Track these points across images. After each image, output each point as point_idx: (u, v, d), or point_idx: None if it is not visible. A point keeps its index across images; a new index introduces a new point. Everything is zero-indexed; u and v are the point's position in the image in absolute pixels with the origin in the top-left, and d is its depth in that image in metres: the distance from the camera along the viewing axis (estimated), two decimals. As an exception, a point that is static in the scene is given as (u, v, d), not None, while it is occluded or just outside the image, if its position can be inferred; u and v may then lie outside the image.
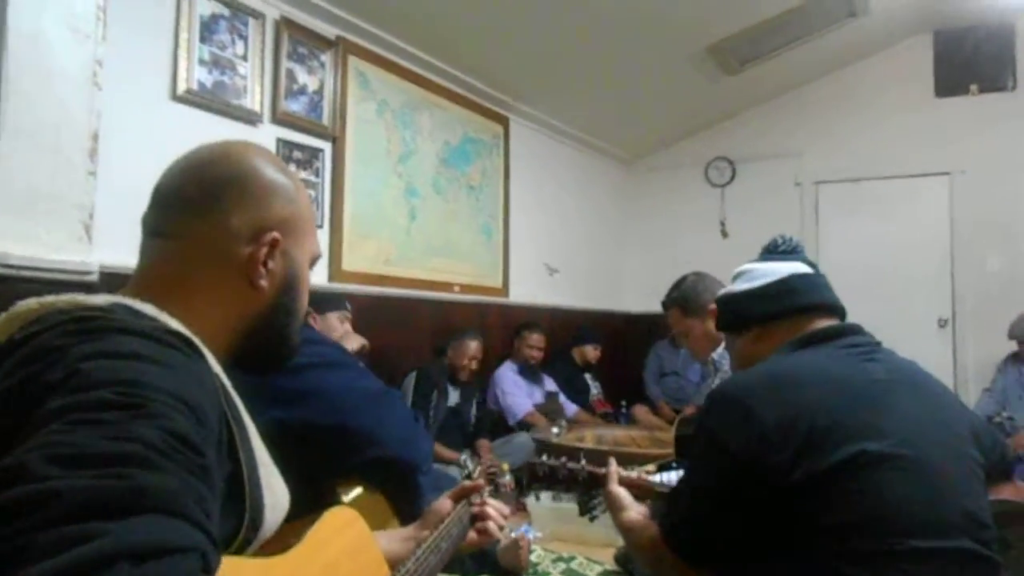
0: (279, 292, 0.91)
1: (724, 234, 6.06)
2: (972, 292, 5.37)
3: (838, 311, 1.36)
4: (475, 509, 1.28)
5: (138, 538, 0.51)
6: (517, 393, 4.52)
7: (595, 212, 6.22)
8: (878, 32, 5.31)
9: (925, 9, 5.11)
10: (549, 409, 4.47)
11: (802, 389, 1.15)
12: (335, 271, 3.74)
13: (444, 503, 1.36)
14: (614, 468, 1.61)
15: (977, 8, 5.10)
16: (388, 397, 1.72)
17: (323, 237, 3.71)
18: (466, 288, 4.65)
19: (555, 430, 3.37)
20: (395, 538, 1.29)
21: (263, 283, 0.89)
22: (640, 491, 1.62)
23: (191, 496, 0.58)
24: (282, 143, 3.48)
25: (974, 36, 5.36)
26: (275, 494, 0.83)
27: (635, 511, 1.46)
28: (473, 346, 4.09)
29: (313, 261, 0.97)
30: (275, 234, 0.89)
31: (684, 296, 2.27)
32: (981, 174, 5.36)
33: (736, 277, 1.43)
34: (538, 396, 4.61)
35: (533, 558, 2.79)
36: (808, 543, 1.09)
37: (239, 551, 0.77)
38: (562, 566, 2.76)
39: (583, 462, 1.66)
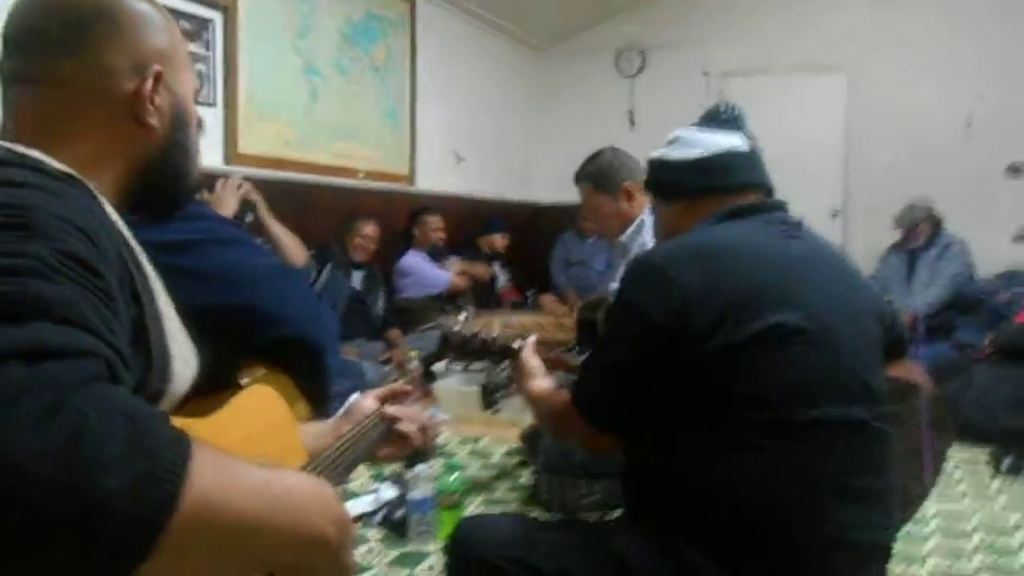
0: (171, 128, 0.85)
1: (632, 124, 6.05)
2: (862, 185, 5.59)
3: (769, 191, 1.35)
4: (389, 411, 1.21)
5: (32, 338, 0.49)
6: (431, 267, 4.50)
7: (505, 99, 6.07)
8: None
9: None
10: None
11: (724, 259, 1.16)
12: (230, 153, 3.53)
13: (369, 402, 1.31)
14: (532, 340, 1.60)
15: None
16: (289, 274, 1.64)
17: (216, 117, 3.48)
18: (371, 175, 4.51)
19: (461, 317, 3.36)
20: (312, 433, 1.26)
21: (153, 121, 0.83)
22: (557, 366, 1.63)
23: (90, 309, 0.55)
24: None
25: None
26: (183, 348, 0.80)
27: (546, 380, 1.46)
28: (368, 227, 4.02)
29: (194, 95, 0.91)
30: (157, 67, 0.82)
31: (598, 171, 2.22)
32: (875, 68, 5.49)
33: (672, 141, 1.38)
34: (449, 273, 4.59)
35: (440, 440, 2.84)
36: (716, 412, 1.11)
37: (151, 403, 0.72)
38: (469, 447, 2.82)
39: (495, 333, 1.64)
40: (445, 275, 4.48)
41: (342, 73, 4.24)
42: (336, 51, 4.19)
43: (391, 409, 1.23)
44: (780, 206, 1.31)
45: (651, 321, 1.14)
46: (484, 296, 4.78)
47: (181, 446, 0.51)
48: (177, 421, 0.74)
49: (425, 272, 4.46)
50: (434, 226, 4.57)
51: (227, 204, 2.98)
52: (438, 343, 1.70)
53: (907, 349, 1.55)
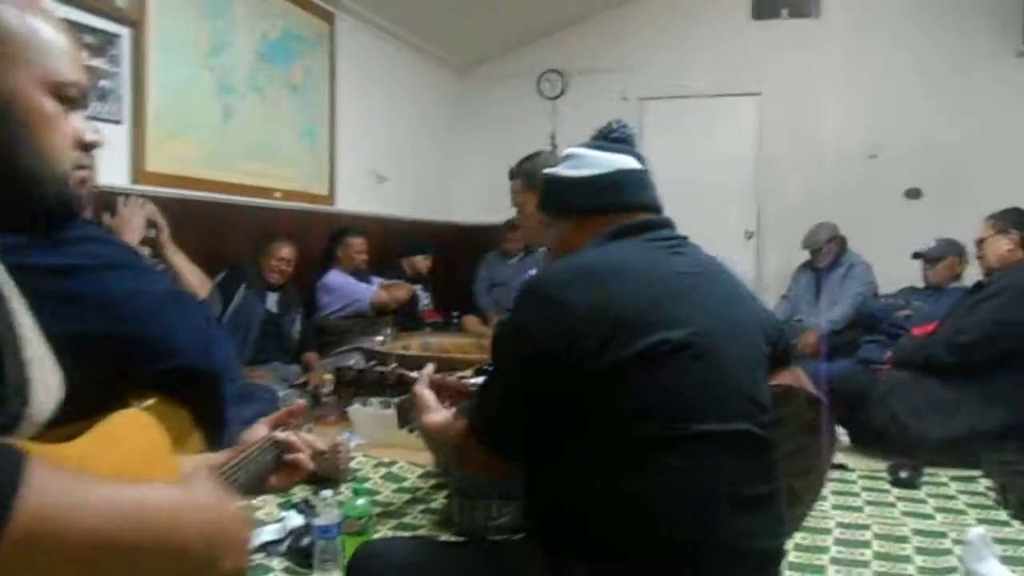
0: None
1: (554, 146, 6.13)
2: (774, 207, 5.80)
3: (657, 210, 1.38)
4: (280, 436, 1.14)
5: None
6: (357, 285, 4.44)
7: (428, 120, 6.08)
8: (703, -50, 5.45)
9: (746, -69, 5.28)
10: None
11: (611, 279, 1.17)
12: (138, 172, 3.42)
13: (259, 429, 1.26)
14: (428, 371, 1.58)
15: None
16: (180, 300, 1.57)
17: (123, 134, 3.37)
18: (288, 194, 4.43)
19: (379, 338, 3.34)
20: (197, 464, 1.21)
21: None
22: (454, 393, 1.62)
23: None
24: (67, 25, 3.07)
25: (788, -38, 5.62)
26: (46, 374, 0.76)
27: (440, 413, 1.44)
28: (285, 249, 3.94)
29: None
30: None
31: (534, 168, 2.21)
32: (787, 95, 5.73)
33: (565, 159, 1.40)
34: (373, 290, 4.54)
35: (354, 464, 2.78)
36: (606, 429, 1.13)
37: (8, 427, 0.71)
38: (383, 471, 2.77)
39: (393, 365, 1.63)
40: (370, 287, 4.43)
41: (257, 91, 4.17)
42: (251, 69, 4.12)
43: (282, 435, 1.18)
44: (666, 223, 1.34)
45: (541, 345, 1.15)
46: (406, 317, 4.74)
47: (12, 463, 0.50)
48: (37, 446, 0.72)
49: (350, 288, 4.41)
50: (357, 248, 4.52)
51: (132, 226, 2.87)
52: (332, 378, 1.67)
53: (792, 357, 1.61)
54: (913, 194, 5.52)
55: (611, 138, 1.40)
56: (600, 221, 1.32)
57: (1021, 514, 2.40)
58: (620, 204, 1.33)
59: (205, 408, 1.59)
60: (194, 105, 3.75)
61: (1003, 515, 2.48)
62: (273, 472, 1.16)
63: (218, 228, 3.90)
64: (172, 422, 1.54)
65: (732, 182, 5.91)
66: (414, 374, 1.59)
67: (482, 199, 5.96)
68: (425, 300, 5.18)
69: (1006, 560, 2.08)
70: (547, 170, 1.45)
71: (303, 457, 1.17)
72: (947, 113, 5.36)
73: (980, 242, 3.31)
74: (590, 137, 1.43)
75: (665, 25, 5.94)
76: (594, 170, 1.34)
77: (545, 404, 1.16)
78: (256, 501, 2.40)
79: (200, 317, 1.62)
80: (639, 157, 1.39)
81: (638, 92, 6.01)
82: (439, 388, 1.57)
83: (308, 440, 1.19)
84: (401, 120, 5.66)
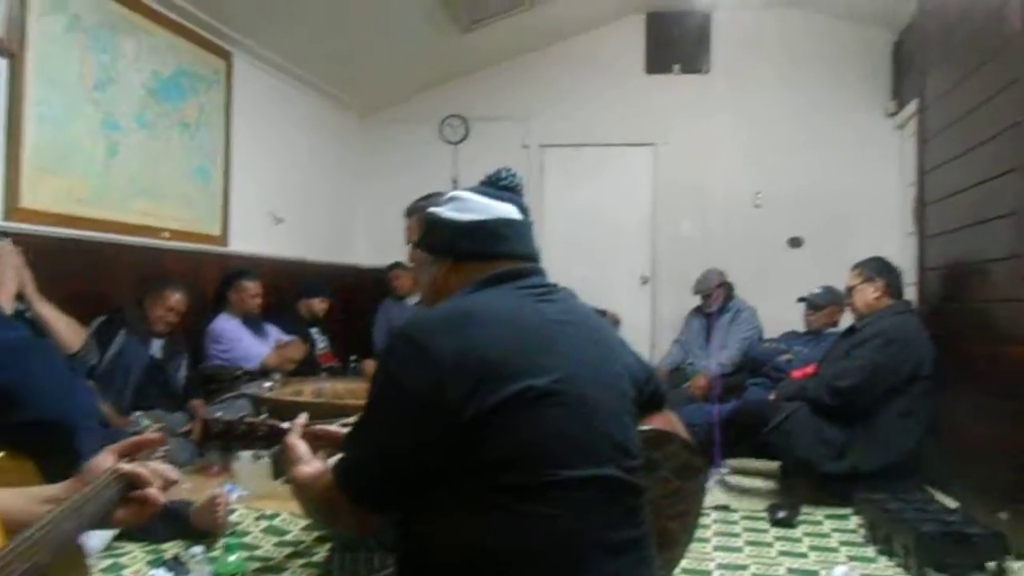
0: None
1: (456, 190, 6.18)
2: (668, 253, 6.01)
3: (533, 260, 1.39)
4: (126, 468, 1.05)
5: None
6: (246, 340, 4.29)
7: (328, 161, 6.03)
8: (600, 7, 5.70)
9: (639, -10, 5.55)
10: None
11: (477, 327, 1.18)
12: (10, 208, 3.24)
13: (104, 458, 1.17)
14: (301, 420, 1.53)
15: (682, -5, 5.63)
16: (35, 349, 1.50)
17: (-4, 168, 3.21)
18: (178, 235, 4.28)
19: (267, 384, 3.24)
20: (34, 498, 1.11)
21: None
22: (331, 443, 1.58)
23: None
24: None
25: (679, 21, 5.93)
26: None
27: (311, 465, 1.38)
28: (174, 297, 3.78)
29: None
30: None
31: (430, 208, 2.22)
32: (679, 146, 5.99)
33: (448, 200, 1.40)
34: (266, 348, 4.40)
35: (234, 517, 2.67)
36: (472, 478, 1.12)
37: None
38: (264, 524, 2.67)
39: (263, 416, 1.58)
40: (259, 352, 4.27)
41: (147, 128, 4.03)
42: (140, 105, 3.99)
43: (127, 467, 1.09)
44: (537, 271, 1.36)
45: (408, 394, 1.15)
46: (301, 362, 4.62)
47: None
48: None
49: (239, 344, 4.25)
50: (252, 292, 4.38)
51: (5, 278, 2.68)
52: (198, 430, 1.60)
53: (665, 401, 1.65)
54: (795, 243, 5.83)
55: (499, 185, 1.41)
56: (474, 267, 1.33)
57: (887, 550, 2.52)
58: (496, 251, 1.34)
59: (56, 460, 1.50)
60: (76, 140, 3.59)
61: (871, 551, 2.60)
62: (119, 506, 1.07)
63: (100, 269, 3.72)
64: (13, 476, 1.45)
65: (628, 229, 6.10)
66: (285, 425, 1.54)
67: (383, 241, 5.93)
68: (322, 344, 5.07)
69: (871, 596, 2.18)
70: (431, 209, 1.45)
71: (152, 491, 1.09)
72: (824, 167, 5.72)
73: (849, 290, 3.51)
74: (478, 182, 1.45)
75: (563, 76, 6.13)
76: (475, 215, 1.35)
77: (412, 453, 1.15)
78: (123, 559, 2.28)
79: (56, 365, 1.54)
80: (522, 207, 1.41)
81: (538, 139, 6.15)
82: (314, 438, 1.53)
83: (159, 471, 1.09)
84: (300, 161, 5.60)
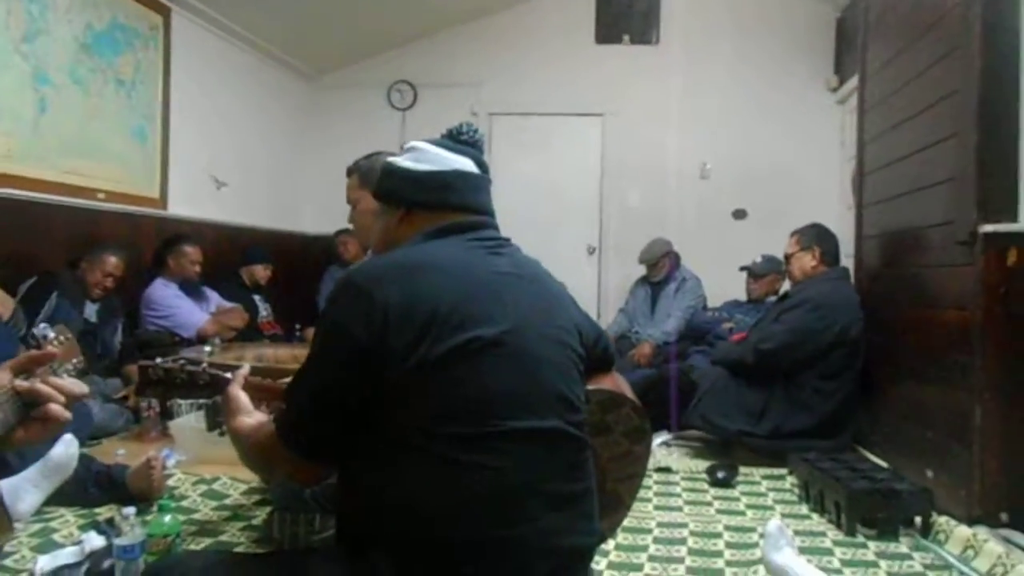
0: None
1: (404, 158, 6.11)
2: (615, 223, 6.05)
3: (486, 213, 1.38)
4: (21, 385, 0.96)
5: None
6: (183, 307, 4.17)
7: (272, 125, 5.88)
8: (551, -26, 5.64)
9: (591, -42, 5.51)
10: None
11: (426, 277, 1.17)
12: (-70, 164, 3.09)
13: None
14: (243, 371, 1.51)
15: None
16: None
17: (-87, 122, 3.04)
18: (114, 196, 4.14)
19: (207, 349, 3.16)
20: None
21: None
22: (272, 396, 1.55)
23: None
24: None
25: (629, -10, 5.93)
26: None
27: (253, 416, 1.38)
28: (111, 261, 3.67)
29: None
30: None
31: (370, 167, 2.14)
32: (627, 117, 6.01)
33: (407, 150, 1.39)
34: (205, 315, 4.30)
35: (172, 482, 2.61)
36: (413, 428, 1.12)
37: None
38: (203, 488, 2.62)
39: (204, 364, 1.54)
40: (198, 319, 4.17)
41: (78, 83, 3.87)
42: (72, 60, 3.83)
43: (24, 384, 1.01)
44: (489, 224, 1.35)
45: (353, 341, 1.13)
46: (243, 329, 4.52)
47: None
48: None
49: (176, 311, 4.13)
50: (192, 258, 4.27)
51: None
52: (138, 376, 1.56)
53: (614, 362, 1.66)
54: (739, 214, 5.92)
55: (459, 139, 1.40)
56: (426, 217, 1.32)
57: (819, 507, 2.60)
58: (449, 203, 1.33)
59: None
60: (3, 94, 3.43)
61: (805, 509, 2.67)
62: (20, 426, 0.99)
63: (30, 229, 3.58)
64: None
65: (576, 199, 6.11)
66: (228, 375, 1.51)
67: (329, 208, 5.79)
68: (264, 311, 4.98)
69: (805, 550, 2.24)
70: (388, 158, 1.44)
71: (54, 407, 1.00)
72: (770, 140, 5.81)
73: (787, 257, 3.58)
74: (440, 135, 1.43)
75: (513, 43, 6.08)
76: (432, 166, 1.34)
77: (354, 402, 1.14)
78: (54, 523, 2.21)
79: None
80: (481, 163, 1.40)
81: (487, 107, 6.10)
82: (255, 390, 1.50)
83: (60, 385, 0.99)
84: (243, 124, 5.45)
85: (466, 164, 1.37)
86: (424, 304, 1.13)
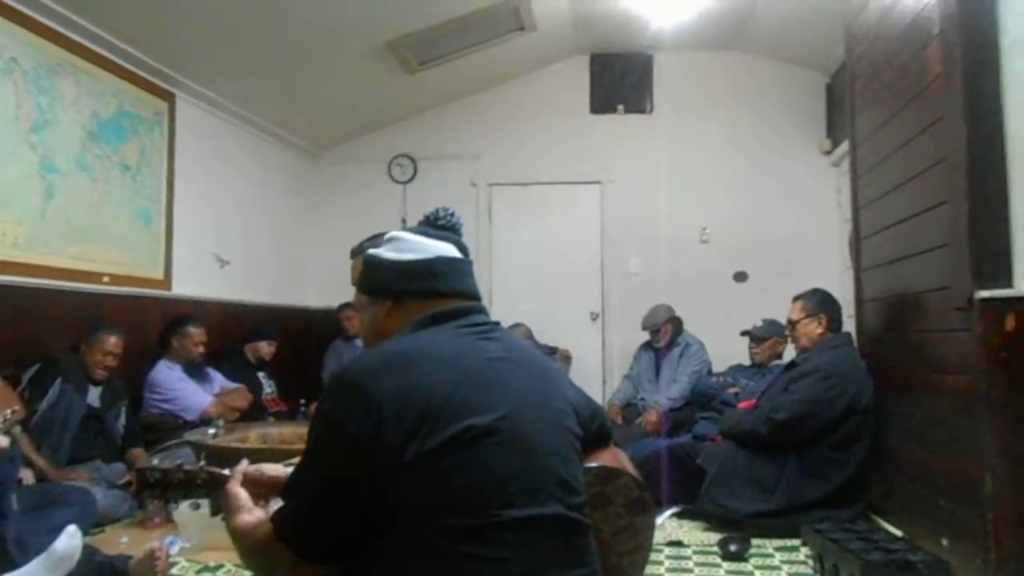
0: None
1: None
2: (617, 289, 6.08)
3: (473, 298, 1.38)
4: None
5: None
6: (187, 389, 4.17)
7: (274, 203, 5.98)
8: (544, 49, 5.81)
9: (583, 33, 5.69)
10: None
11: (418, 368, 1.17)
12: (-62, 255, 3.14)
13: None
14: (241, 467, 1.49)
15: (624, 38, 5.78)
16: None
17: (-78, 214, 3.10)
18: (119, 279, 4.18)
19: (211, 431, 3.15)
20: None
21: None
22: (273, 489, 1.53)
23: None
24: None
25: (621, 62, 6.10)
26: None
27: (252, 514, 1.35)
28: (111, 341, 3.68)
29: None
30: None
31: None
32: (625, 184, 6.10)
33: (387, 241, 1.39)
34: (209, 396, 4.29)
35: (176, 571, 2.58)
36: (413, 521, 1.10)
37: None
38: (207, 576, 2.59)
39: (201, 463, 1.53)
40: (201, 401, 4.17)
41: (85, 170, 3.96)
42: (80, 147, 3.92)
43: None
44: (478, 309, 1.35)
45: (348, 437, 1.12)
46: (247, 408, 4.51)
47: None
48: None
49: (180, 394, 4.14)
50: (196, 339, 4.28)
51: None
52: (136, 480, 1.55)
53: (611, 438, 1.65)
54: (740, 277, 5.95)
55: (437, 224, 1.40)
56: (414, 306, 1.32)
57: (835, 580, 2.54)
58: (436, 290, 1.33)
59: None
60: (12, 183, 3.51)
61: (820, 582, 2.62)
62: None
63: (36, 316, 3.61)
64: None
65: (578, 266, 6.16)
66: (225, 471, 1.50)
67: (333, 283, 5.86)
68: (269, 388, 4.98)
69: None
70: (370, 251, 1.43)
71: None
72: (767, 203, 5.89)
73: (792, 323, 3.58)
74: (417, 222, 1.44)
75: (511, 116, 6.22)
76: (414, 255, 1.34)
77: (353, 498, 1.12)
78: (54, 621, 2.17)
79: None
80: (461, 246, 1.40)
81: (486, 178, 6.21)
82: (256, 484, 1.49)
83: None
84: (246, 202, 5.54)
85: (448, 249, 1.37)
86: (418, 397, 1.13)
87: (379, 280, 1.37)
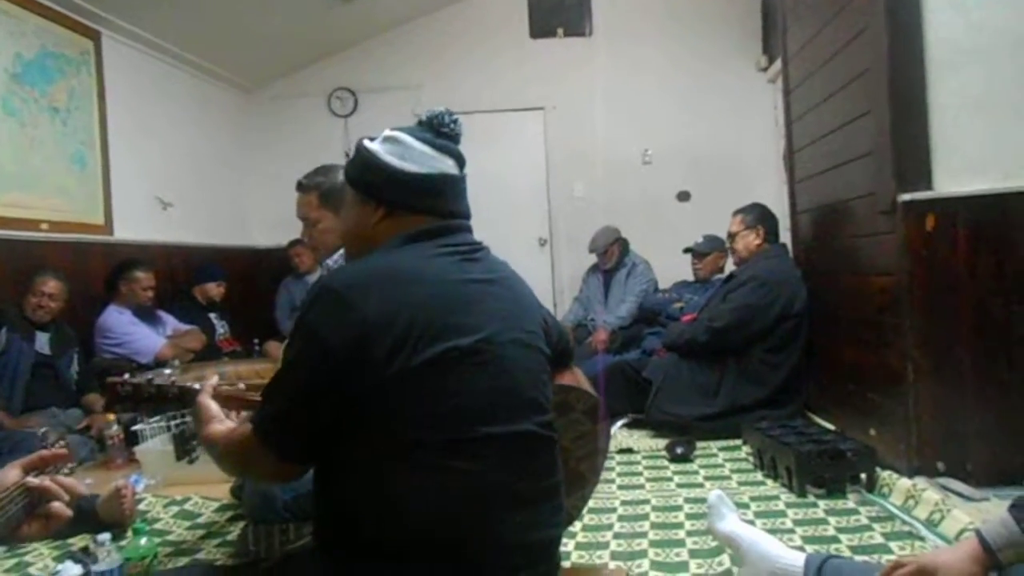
0: None
1: (349, 165, 6.12)
2: (563, 214, 6.16)
3: (464, 217, 1.36)
4: (32, 482, 1.06)
5: None
6: (139, 333, 4.15)
7: (214, 142, 5.85)
8: (481, -27, 5.70)
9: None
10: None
11: (404, 287, 1.19)
12: None
13: (9, 472, 1.14)
14: (212, 382, 1.51)
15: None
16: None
17: None
18: (58, 226, 4.10)
19: (168, 371, 3.16)
20: None
21: None
22: (240, 406, 1.57)
23: None
24: None
25: (559, -16, 6.03)
26: None
27: (224, 424, 1.38)
28: (49, 284, 3.61)
29: None
30: None
31: (331, 185, 2.11)
32: (568, 110, 6.13)
33: (388, 140, 1.32)
34: (161, 339, 4.29)
35: (143, 507, 2.63)
36: (391, 435, 1.15)
37: None
38: (174, 509, 2.65)
39: (172, 378, 1.58)
40: (154, 344, 4.15)
41: (12, 114, 3.83)
42: (4, 90, 3.79)
43: (35, 481, 1.09)
44: (466, 228, 1.35)
45: (329, 347, 1.14)
46: (201, 350, 4.52)
47: None
48: None
49: (132, 337, 4.11)
50: (144, 284, 4.22)
51: None
52: (107, 392, 1.59)
53: (572, 359, 1.73)
54: (683, 196, 6.08)
55: (440, 132, 1.34)
56: (406, 220, 1.30)
57: (772, 473, 2.73)
58: (431, 208, 1.31)
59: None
60: (-67, 132, 3.40)
61: (759, 475, 2.81)
62: (25, 521, 1.08)
63: (-28, 267, 3.54)
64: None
65: (524, 192, 6.21)
66: (196, 385, 1.54)
67: (278, 221, 5.80)
68: (221, 329, 4.97)
69: (760, 513, 2.37)
70: (368, 144, 1.36)
71: (59, 506, 1.08)
72: (707, 122, 5.98)
73: (731, 236, 3.71)
74: (416, 122, 1.37)
75: (450, 44, 6.14)
76: (418, 167, 1.30)
77: (331, 405, 1.15)
78: (28, 557, 2.23)
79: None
80: (460, 159, 1.36)
81: (428, 108, 6.08)
82: (225, 400, 1.51)
83: (67, 484, 1.10)
84: (184, 142, 5.41)
85: (450, 165, 1.33)
86: (402, 316, 1.15)
87: (375, 184, 1.32)
